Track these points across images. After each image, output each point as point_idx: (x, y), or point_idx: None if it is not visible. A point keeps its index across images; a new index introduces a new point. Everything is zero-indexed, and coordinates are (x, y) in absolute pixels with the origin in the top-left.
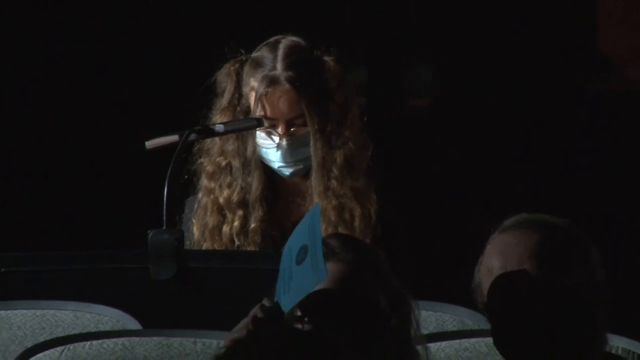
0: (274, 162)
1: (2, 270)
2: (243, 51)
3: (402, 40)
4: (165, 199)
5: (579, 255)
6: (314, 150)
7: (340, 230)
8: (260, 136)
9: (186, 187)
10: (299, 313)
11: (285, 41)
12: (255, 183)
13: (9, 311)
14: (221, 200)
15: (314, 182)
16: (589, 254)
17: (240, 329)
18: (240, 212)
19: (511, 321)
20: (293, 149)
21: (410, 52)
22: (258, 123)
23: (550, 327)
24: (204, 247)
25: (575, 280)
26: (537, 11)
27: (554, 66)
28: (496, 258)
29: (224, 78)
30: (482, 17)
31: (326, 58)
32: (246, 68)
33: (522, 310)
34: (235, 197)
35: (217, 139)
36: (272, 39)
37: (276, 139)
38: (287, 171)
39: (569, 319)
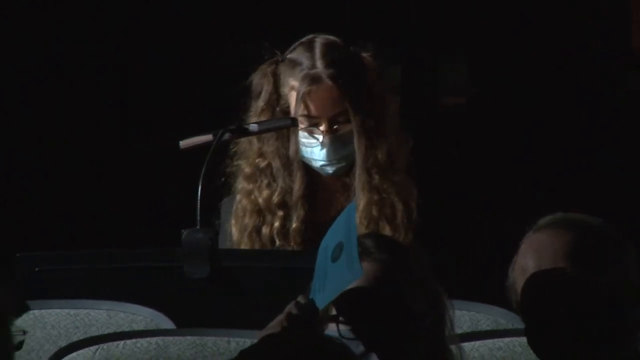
0: (317, 160)
1: (36, 269)
2: (278, 52)
3: (437, 40)
4: (199, 198)
5: (614, 255)
6: (357, 146)
7: (382, 225)
8: (303, 135)
9: (219, 189)
10: (334, 312)
11: (320, 39)
12: (297, 183)
13: (43, 310)
14: (260, 201)
15: (357, 178)
16: (623, 254)
17: (274, 326)
18: (280, 213)
19: (545, 320)
20: (337, 147)
21: (446, 51)
22: (292, 122)
23: (584, 327)
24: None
25: (609, 279)
26: (570, 9)
27: (588, 65)
28: (530, 257)
29: (260, 80)
30: (512, 15)
31: (363, 54)
32: (283, 69)
33: (555, 310)
34: (275, 198)
35: (255, 140)
36: (305, 39)
37: (319, 137)
38: (330, 169)
39: (602, 318)
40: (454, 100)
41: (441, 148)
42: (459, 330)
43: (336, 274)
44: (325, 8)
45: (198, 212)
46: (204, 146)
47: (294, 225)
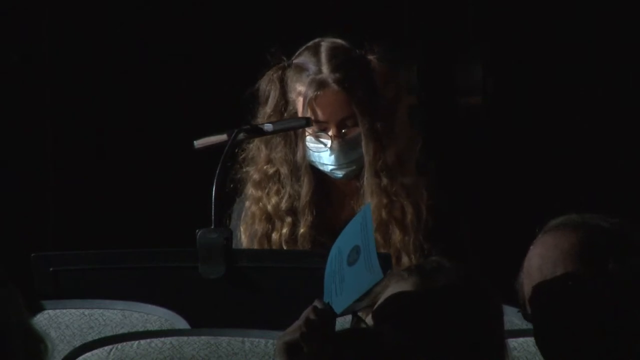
0: (326, 165)
1: (51, 269)
2: (285, 57)
3: (454, 40)
4: (213, 198)
5: (620, 256)
6: (365, 149)
7: (392, 227)
8: (311, 140)
9: (229, 195)
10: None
11: (326, 43)
12: (305, 188)
13: (57, 310)
14: (269, 208)
15: (366, 181)
16: (631, 254)
17: (292, 331)
18: (289, 219)
19: (548, 322)
20: (346, 151)
21: (463, 50)
22: (307, 122)
23: (586, 328)
24: None
25: (615, 280)
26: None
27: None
28: (535, 259)
29: (267, 85)
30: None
31: (370, 57)
32: (289, 74)
33: (557, 312)
34: (283, 205)
35: (263, 147)
36: (311, 43)
37: (327, 142)
38: (340, 173)
39: (604, 319)
40: (469, 100)
41: (457, 148)
42: None
43: (355, 277)
44: (336, 7)
45: (213, 212)
46: (218, 146)
47: (301, 230)
